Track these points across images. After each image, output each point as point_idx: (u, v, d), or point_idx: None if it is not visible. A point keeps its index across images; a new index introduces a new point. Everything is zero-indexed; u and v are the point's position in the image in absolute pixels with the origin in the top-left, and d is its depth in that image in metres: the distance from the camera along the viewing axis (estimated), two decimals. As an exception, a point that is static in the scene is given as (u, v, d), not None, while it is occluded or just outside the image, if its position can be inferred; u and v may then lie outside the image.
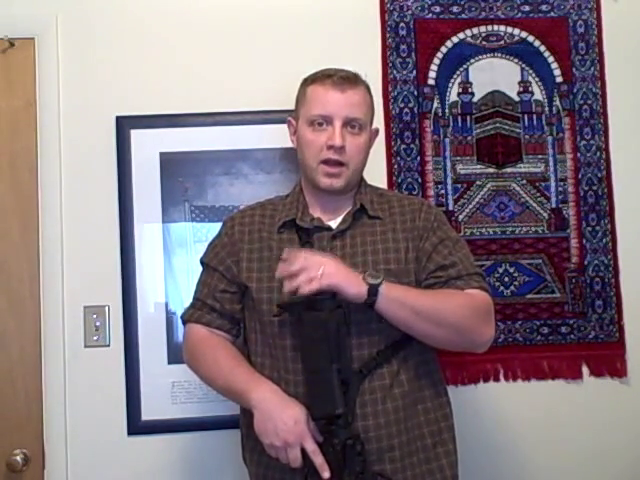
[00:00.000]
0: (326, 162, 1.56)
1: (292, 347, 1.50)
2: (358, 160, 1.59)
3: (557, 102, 2.19)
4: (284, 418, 1.41)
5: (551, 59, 2.20)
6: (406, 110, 2.16)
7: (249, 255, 1.60)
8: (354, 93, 1.57)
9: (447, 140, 2.17)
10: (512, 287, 2.13)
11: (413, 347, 1.54)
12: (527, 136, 2.18)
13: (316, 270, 1.39)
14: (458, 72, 2.18)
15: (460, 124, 2.17)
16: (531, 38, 2.20)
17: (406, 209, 1.63)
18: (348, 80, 1.57)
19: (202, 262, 1.69)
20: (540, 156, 2.18)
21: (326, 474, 1.38)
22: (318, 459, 1.39)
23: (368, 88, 1.64)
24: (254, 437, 1.51)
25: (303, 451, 1.40)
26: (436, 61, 2.18)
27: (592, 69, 2.20)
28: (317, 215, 1.61)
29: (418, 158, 2.15)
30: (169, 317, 2.04)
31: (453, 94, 2.18)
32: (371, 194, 1.66)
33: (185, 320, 1.67)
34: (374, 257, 1.55)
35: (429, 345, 1.56)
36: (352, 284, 1.40)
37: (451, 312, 1.48)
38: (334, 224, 1.60)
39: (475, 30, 2.19)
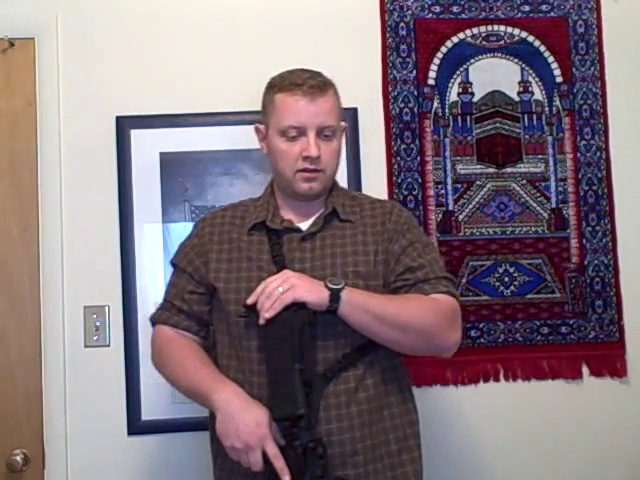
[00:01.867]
0: (302, 171, 1.55)
1: (257, 348, 1.49)
2: (333, 165, 1.59)
3: (557, 102, 2.19)
4: (246, 420, 1.40)
5: (551, 59, 2.20)
6: (406, 110, 2.16)
7: (218, 256, 1.59)
8: (325, 101, 1.55)
9: (447, 140, 2.17)
10: (512, 287, 2.13)
11: (380, 352, 1.52)
12: (527, 136, 2.18)
13: (276, 290, 1.39)
14: (458, 72, 2.18)
15: (460, 124, 2.17)
16: (531, 38, 2.20)
17: (377, 212, 1.63)
18: (318, 88, 1.54)
19: (172, 263, 1.68)
20: (540, 156, 2.18)
21: (286, 478, 1.36)
22: (279, 462, 1.37)
23: (335, 89, 1.61)
24: (217, 440, 1.50)
25: (264, 454, 1.39)
26: (436, 61, 2.18)
27: (592, 69, 2.20)
28: (288, 217, 1.60)
29: (418, 158, 2.15)
30: (169, 317, 2.04)
31: (453, 94, 2.18)
32: (343, 197, 1.65)
33: (153, 321, 1.65)
34: (343, 259, 1.54)
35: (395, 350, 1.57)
36: (313, 292, 1.41)
37: (415, 317, 1.47)
38: (304, 226, 1.59)
39: (475, 30, 2.19)
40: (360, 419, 1.47)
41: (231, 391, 1.46)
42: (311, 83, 1.54)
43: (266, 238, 1.58)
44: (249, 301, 1.43)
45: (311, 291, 1.41)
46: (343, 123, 1.64)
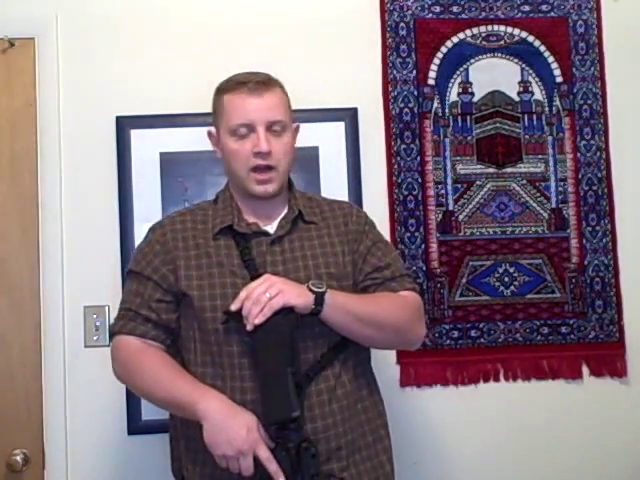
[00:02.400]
0: (255, 169, 1.55)
1: (240, 354, 1.48)
2: (286, 161, 1.59)
3: (557, 102, 2.19)
4: (235, 427, 1.39)
5: (551, 59, 2.20)
6: (406, 110, 2.16)
7: (186, 263, 1.56)
8: (271, 95, 1.55)
9: (447, 140, 2.17)
10: (512, 287, 2.13)
11: (350, 348, 1.55)
12: (527, 136, 2.18)
13: (263, 296, 1.39)
14: (458, 72, 2.18)
15: (460, 124, 2.17)
16: (531, 38, 2.20)
17: (337, 213, 1.65)
18: (263, 84, 1.55)
19: (131, 271, 1.61)
20: (540, 156, 2.18)
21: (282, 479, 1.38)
22: (272, 466, 1.38)
23: (282, 87, 1.62)
24: (195, 448, 1.49)
25: (255, 459, 1.39)
26: (436, 61, 2.18)
27: (592, 69, 2.20)
28: (252, 220, 1.59)
29: (418, 158, 2.15)
30: (169, 317, 2.04)
31: (453, 94, 2.18)
32: (302, 199, 1.66)
33: (115, 332, 1.57)
34: (314, 261, 1.55)
35: (365, 354, 1.62)
36: (299, 295, 1.42)
37: (390, 315, 1.52)
38: (270, 229, 1.59)
39: (475, 30, 2.19)
40: (341, 415, 1.50)
41: (215, 399, 1.44)
42: (256, 80, 1.55)
43: (233, 242, 1.56)
44: (233, 307, 1.42)
45: (299, 295, 1.42)
46: (295, 124, 1.64)
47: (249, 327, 1.39)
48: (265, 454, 1.38)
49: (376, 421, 1.58)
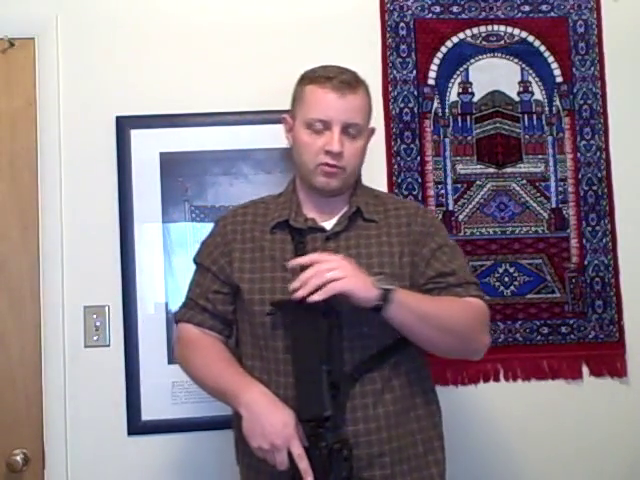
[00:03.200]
0: (323, 165, 1.54)
1: (284, 349, 1.49)
2: (355, 164, 1.58)
3: (557, 102, 2.19)
4: (272, 421, 1.40)
5: (551, 59, 2.20)
6: (406, 110, 2.16)
7: (241, 255, 1.58)
8: (354, 98, 1.54)
9: (447, 140, 2.17)
10: (512, 287, 2.13)
11: (404, 353, 1.53)
12: (527, 136, 2.18)
13: (326, 272, 1.37)
14: (458, 72, 2.18)
15: (460, 124, 2.17)
16: (531, 38, 2.20)
17: (401, 212, 1.62)
18: (349, 84, 1.53)
19: (195, 261, 1.68)
20: (540, 156, 2.18)
21: (309, 479, 1.36)
22: (302, 463, 1.37)
23: (367, 89, 1.61)
24: (243, 439, 1.50)
25: (290, 454, 1.39)
26: (436, 61, 2.18)
27: (592, 69, 2.20)
28: (311, 215, 1.60)
29: (418, 158, 2.15)
30: (169, 317, 2.04)
31: (453, 94, 2.18)
32: (366, 196, 1.64)
33: (177, 319, 1.66)
34: (368, 260, 1.53)
35: (421, 352, 1.57)
36: (363, 288, 1.38)
37: (456, 319, 1.48)
38: (328, 225, 1.58)
39: (475, 30, 2.19)
40: (387, 421, 1.48)
41: (257, 391, 1.45)
42: (342, 78, 1.53)
43: (289, 237, 1.57)
44: (294, 285, 1.39)
45: (364, 288, 1.38)
46: (371, 127, 1.63)
47: (299, 294, 1.36)
48: (297, 451, 1.37)
49: (430, 432, 1.54)
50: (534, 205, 2.17)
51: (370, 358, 1.49)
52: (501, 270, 2.14)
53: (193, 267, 1.69)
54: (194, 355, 1.59)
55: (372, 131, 1.67)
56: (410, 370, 1.55)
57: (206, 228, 2.05)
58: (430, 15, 2.19)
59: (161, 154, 2.09)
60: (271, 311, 1.48)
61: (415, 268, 1.55)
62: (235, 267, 1.58)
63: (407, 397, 1.52)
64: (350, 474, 1.38)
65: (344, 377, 1.44)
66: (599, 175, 2.18)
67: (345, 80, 1.54)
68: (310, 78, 1.58)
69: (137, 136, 2.08)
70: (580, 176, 2.18)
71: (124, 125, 2.08)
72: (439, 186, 2.15)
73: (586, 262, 2.15)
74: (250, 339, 1.57)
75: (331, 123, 1.52)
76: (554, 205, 2.17)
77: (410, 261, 1.56)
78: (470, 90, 2.18)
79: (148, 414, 2.02)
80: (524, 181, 2.17)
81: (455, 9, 2.19)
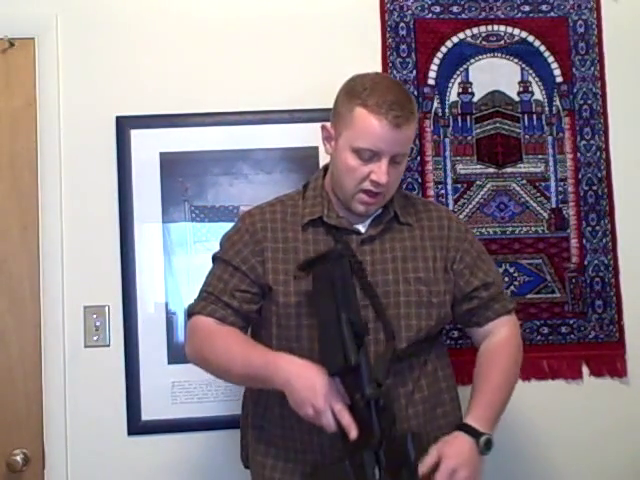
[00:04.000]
0: (365, 192, 1.51)
1: (308, 327, 1.49)
2: (395, 187, 1.56)
3: (557, 102, 2.19)
4: (307, 385, 1.36)
5: (551, 59, 2.20)
6: (406, 110, 2.15)
7: (274, 255, 1.54)
8: (407, 130, 1.48)
9: (447, 140, 2.17)
10: (512, 287, 2.13)
11: (432, 352, 1.55)
12: (527, 136, 2.18)
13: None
14: (458, 72, 2.18)
15: (460, 124, 2.17)
16: (531, 38, 2.20)
17: (432, 215, 1.62)
18: (405, 118, 1.46)
19: (218, 258, 1.60)
20: (540, 156, 2.18)
21: (353, 433, 1.32)
22: (344, 419, 1.33)
23: (417, 114, 1.55)
24: (267, 440, 1.53)
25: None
26: (436, 61, 2.18)
27: (592, 69, 2.20)
28: (342, 214, 1.57)
29: (418, 158, 2.15)
30: (169, 317, 2.04)
31: (453, 94, 2.18)
32: (399, 199, 1.61)
33: (194, 312, 1.56)
34: (403, 265, 1.53)
35: (445, 349, 1.64)
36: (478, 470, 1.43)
37: (514, 380, 1.62)
38: (362, 228, 1.56)
39: (475, 30, 2.19)
40: (416, 420, 1.50)
41: (285, 363, 1.41)
42: (398, 113, 1.45)
43: (321, 236, 1.55)
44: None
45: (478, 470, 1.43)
46: None
47: None
48: (337, 407, 1.34)
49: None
50: (534, 205, 2.17)
51: (414, 344, 1.51)
52: (501, 270, 2.13)
53: (193, 267, 1.68)
54: (215, 346, 1.51)
55: None
56: (438, 368, 1.57)
57: (206, 228, 2.06)
58: (430, 15, 2.19)
59: (161, 154, 2.09)
60: (296, 274, 1.48)
61: (460, 276, 1.58)
62: (268, 268, 1.54)
63: (435, 395, 1.55)
64: (391, 424, 1.34)
65: (365, 326, 1.41)
66: (599, 175, 2.18)
67: (402, 116, 1.46)
68: (361, 100, 1.47)
69: (137, 136, 2.08)
70: (580, 176, 2.18)
71: (124, 125, 2.08)
72: (439, 186, 2.15)
73: (586, 262, 2.15)
74: (276, 342, 1.54)
75: (381, 155, 1.48)
76: (554, 205, 2.17)
77: (443, 266, 1.57)
78: (470, 90, 2.18)
79: (148, 414, 2.02)
80: (524, 181, 2.17)
81: (455, 9, 2.19)
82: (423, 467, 1.37)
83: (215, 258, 1.61)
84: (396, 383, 1.48)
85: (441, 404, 1.55)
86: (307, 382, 1.36)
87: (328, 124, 1.57)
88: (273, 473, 1.55)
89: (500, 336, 1.59)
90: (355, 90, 1.50)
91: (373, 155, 1.48)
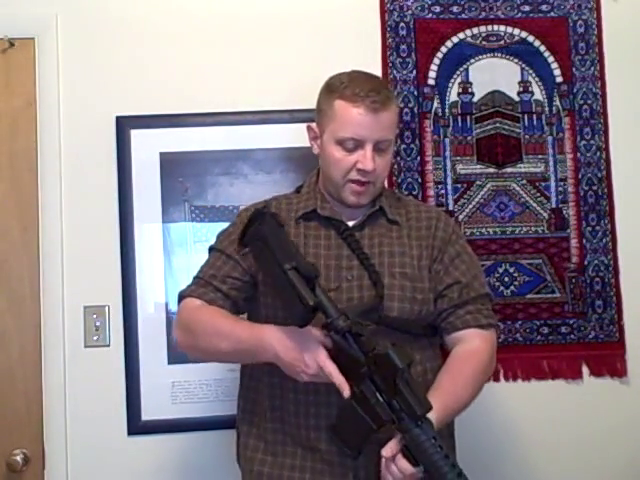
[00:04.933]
0: (354, 181, 1.55)
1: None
2: (384, 176, 1.61)
3: (557, 102, 2.19)
4: (293, 356, 1.37)
5: (551, 59, 2.20)
6: (406, 110, 2.16)
7: None
8: (386, 115, 1.52)
9: (447, 140, 2.17)
10: (512, 287, 2.13)
11: (424, 353, 1.55)
12: (527, 136, 2.18)
13: None
14: (458, 72, 2.18)
15: (460, 124, 2.17)
16: (531, 38, 2.20)
17: (422, 215, 1.64)
18: (382, 103, 1.51)
19: (212, 248, 1.63)
20: (540, 156, 2.18)
21: (345, 392, 1.33)
22: (335, 378, 1.34)
23: (396, 101, 1.60)
24: (247, 433, 1.53)
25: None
26: (436, 61, 2.18)
27: (592, 69, 2.20)
28: (336, 209, 1.61)
29: (418, 158, 2.15)
30: (169, 317, 2.04)
31: (453, 94, 2.18)
32: (390, 198, 1.66)
33: (184, 295, 1.58)
34: (390, 259, 1.55)
35: (438, 351, 1.62)
36: None
37: (479, 387, 1.57)
38: (351, 223, 1.60)
39: (475, 30, 2.19)
40: None
41: (270, 334, 1.42)
42: (375, 98, 1.50)
43: (314, 229, 1.57)
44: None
45: None
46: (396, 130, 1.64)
47: None
48: (327, 368, 1.34)
49: (443, 431, 1.53)
50: (534, 205, 2.17)
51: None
52: (501, 270, 2.14)
53: (193, 267, 1.68)
54: (201, 323, 1.52)
55: (397, 134, 1.69)
56: (428, 370, 1.57)
57: (206, 228, 2.06)
58: (430, 15, 2.19)
59: (161, 154, 2.09)
60: (242, 252, 1.51)
61: (435, 274, 1.58)
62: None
63: None
64: (373, 347, 1.34)
65: (312, 268, 1.40)
66: (599, 175, 2.18)
67: (377, 100, 1.50)
68: (339, 92, 1.53)
69: (137, 136, 2.08)
70: (580, 176, 2.18)
71: (124, 125, 2.08)
72: (439, 186, 2.15)
73: (586, 262, 2.15)
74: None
75: (364, 142, 1.52)
76: (554, 205, 2.17)
77: (427, 264, 1.58)
78: (470, 90, 2.18)
79: (148, 414, 2.02)
80: (524, 181, 2.17)
81: (455, 9, 2.19)
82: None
83: (210, 249, 1.65)
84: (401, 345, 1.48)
85: None
86: (293, 352, 1.37)
87: (313, 124, 1.62)
88: (262, 467, 1.55)
89: (472, 345, 1.55)
90: (334, 85, 1.56)
91: (357, 144, 1.52)
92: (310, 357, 1.35)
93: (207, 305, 1.54)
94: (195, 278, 1.60)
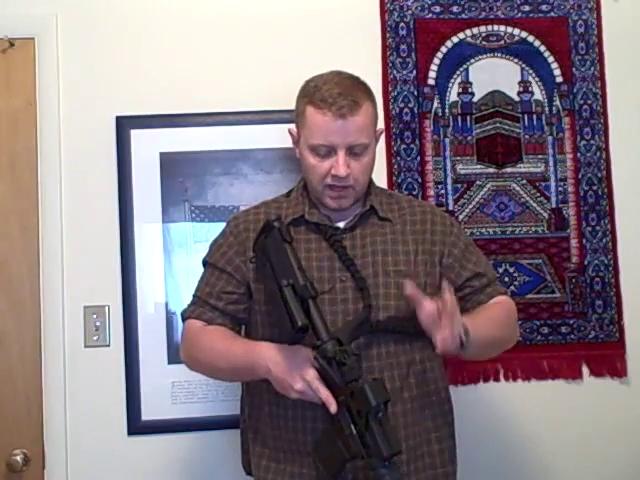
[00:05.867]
0: (331, 187, 1.54)
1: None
2: (364, 179, 1.58)
3: (557, 102, 2.19)
4: (284, 371, 1.38)
5: (551, 59, 2.20)
6: (406, 110, 2.16)
7: None
8: (355, 120, 1.50)
9: (447, 140, 2.17)
10: (512, 287, 2.13)
11: (422, 353, 1.54)
12: (527, 136, 2.18)
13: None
14: (458, 72, 2.18)
15: (460, 124, 2.17)
16: (531, 38, 2.20)
17: (416, 210, 1.63)
18: (349, 108, 1.49)
19: (206, 262, 1.65)
20: (540, 156, 2.18)
21: (332, 407, 1.34)
22: (321, 394, 1.35)
23: (371, 100, 1.57)
24: (253, 440, 1.53)
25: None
26: (436, 61, 2.18)
27: (592, 69, 2.20)
28: (325, 212, 1.60)
29: (418, 158, 2.15)
30: (169, 317, 2.04)
31: (453, 94, 2.18)
32: (380, 195, 1.65)
33: (185, 317, 1.63)
34: (384, 258, 1.55)
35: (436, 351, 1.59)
36: (451, 346, 1.35)
37: (506, 330, 1.58)
38: (342, 224, 1.59)
39: (475, 30, 2.19)
40: (404, 419, 1.49)
41: (263, 351, 1.44)
42: (341, 103, 1.49)
43: (304, 234, 1.57)
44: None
45: (451, 345, 1.35)
46: (379, 129, 1.63)
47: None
48: (315, 384, 1.35)
49: (444, 430, 1.55)
50: (534, 205, 2.17)
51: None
52: (501, 270, 2.13)
53: (193, 267, 1.69)
54: (201, 343, 1.56)
55: (380, 132, 1.67)
56: (428, 369, 1.56)
57: (206, 228, 2.06)
58: (430, 15, 2.19)
59: (161, 154, 2.09)
60: (251, 259, 1.52)
61: (449, 269, 1.58)
62: (251, 266, 1.57)
63: (423, 395, 1.54)
64: (356, 378, 1.34)
65: (309, 288, 1.41)
66: (599, 175, 2.18)
67: (344, 105, 1.49)
68: (309, 97, 1.53)
69: (137, 136, 2.08)
70: (580, 176, 2.18)
71: (124, 125, 2.08)
72: (439, 186, 2.15)
73: (586, 262, 2.15)
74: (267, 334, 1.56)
75: (335, 148, 1.51)
76: (554, 205, 2.17)
77: (424, 259, 1.57)
78: (470, 90, 2.18)
79: (148, 414, 2.02)
80: (524, 181, 2.17)
81: (455, 9, 2.19)
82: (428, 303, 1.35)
83: (204, 263, 1.66)
84: (382, 379, 1.47)
85: (429, 406, 1.54)
86: (283, 367, 1.39)
87: (293, 128, 1.62)
88: (266, 474, 1.55)
89: (494, 301, 1.60)
90: (306, 90, 1.56)
91: (329, 150, 1.51)
92: (299, 373, 1.37)
93: (207, 326, 1.58)
94: (193, 297, 1.64)
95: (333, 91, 1.50)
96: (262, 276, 1.47)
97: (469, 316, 1.45)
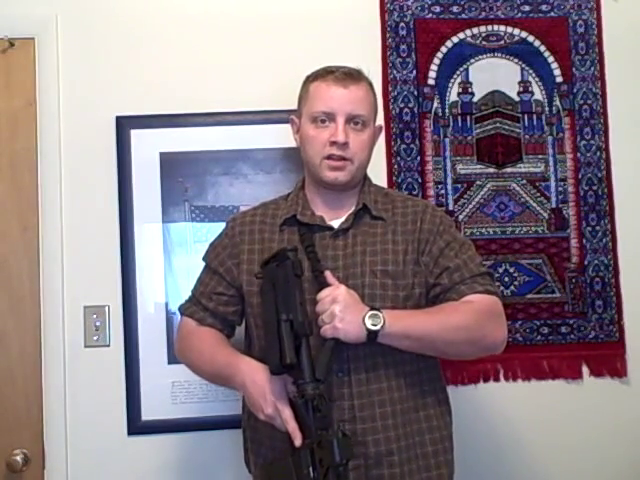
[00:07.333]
0: (329, 157, 1.55)
1: None
2: (362, 156, 1.59)
3: (557, 102, 2.19)
4: (259, 392, 1.42)
5: (551, 59, 2.20)
6: (406, 110, 2.16)
7: (249, 257, 1.59)
8: (357, 89, 1.57)
9: (447, 140, 2.17)
10: (512, 287, 2.13)
11: (406, 353, 1.53)
12: (527, 136, 2.18)
13: (331, 318, 1.41)
14: (458, 72, 2.18)
15: (460, 124, 2.17)
16: (531, 38, 2.20)
17: (409, 210, 1.62)
18: (351, 76, 1.57)
19: (204, 261, 1.70)
20: (540, 156, 2.18)
21: (297, 441, 1.36)
22: (289, 426, 1.38)
23: (371, 85, 1.63)
24: (255, 439, 1.54)
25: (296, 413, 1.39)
26: (436, 61, 2.18)
27: (592, 69, 2.20)
28: (319, 213, 1.60)
29: (418, 158, 2.15)
30: (169, 317, 2.04)
31: (453, 94, 2.18)
32: (375, 194, 1.65)
33: (181, 313, 1.69)
34: (372, 258, 1.54)
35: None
36: (351, 332, 1.40)
37: (455, 330, 1.47)
38: (336, 223, 1.59)
39: (475, 30, 2.19)
40: (394, 419, 1.48)
41: (243, 365, 1.48)
42: (344, 70, 1.57)
43: (296, 234, 1.57)
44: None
45: (351, 331, 1.40)
46: (378, 125, 1.65)
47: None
48: (284, 414, 1.38)
49: (441, 432, 1.54)
50: (534, 205, 2.17)
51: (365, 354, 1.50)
52: (501, 270, 2.14)
53: (193, 267, 1.70)
54: (191, 346, 1.63)
55: (380, 129, 1.68)
56: (421, 369, 1.55)
57: (206, 228, 2.06)
58: (430, 15, 2.19)
59: (161, 154, 2.09)
60: (257, 274, 1.53)
61: (426, 267, 1.56)
62: (243, 269, 1.59)
63: (416, 396, 1.52)
64: (326, 425, 1.37)
65: (306, 327, 1.42)
66: (599, 175, 2.18)
67: (347, 72, 1.57)
68: (314, 76, 1.61)
69: (137, 136, 2.08)
70: (580, 176, 2.18)
71: (124, 125, 2.08)
72: (439, 186, 2.15)
73: (586, 262, 2.15)
74: (257, 342, 1.57)
75: (335, 115, 1.55)
76: (554, 205, 2.17)
77: (413, 259, 1.56)
78: (470, 90, 2.18)
79: (148, 414, 2.02)
80: (524, 181, 2.17)
81: (455, 9, 2.19)
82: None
83: (203, 260, 1.70)
84: (369, 379, 1.48)
85: (423, 407, 1.53)
86: (259, 389, 1.42)
87: (295, 117, 1.67)
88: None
89: (466, 299, 1.52)
90: (308, 76, 1.64)
91: (329, 118, 1.55)
92: (272, 399, 1.40)
93: (199, 327, 1.63)
94: (191, 292, 1.69)
95: (338, 65, 1.61)
96: (264, 301, 1.47)
97: (404, 311, 1.48)
